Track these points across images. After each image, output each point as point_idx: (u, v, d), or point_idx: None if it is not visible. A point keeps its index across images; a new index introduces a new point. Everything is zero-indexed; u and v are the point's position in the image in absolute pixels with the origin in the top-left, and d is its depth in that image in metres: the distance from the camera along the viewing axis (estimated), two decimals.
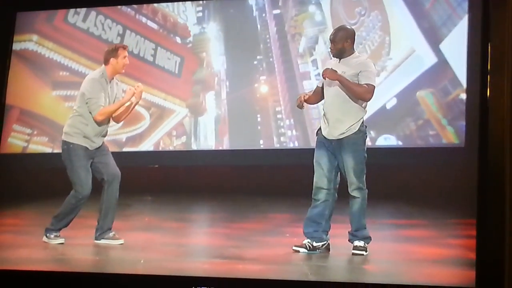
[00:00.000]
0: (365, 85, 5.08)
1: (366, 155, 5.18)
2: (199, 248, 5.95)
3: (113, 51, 5.64)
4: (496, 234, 4.54)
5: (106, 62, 5.66)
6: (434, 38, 6.64)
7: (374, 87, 5.12)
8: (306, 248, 5.25)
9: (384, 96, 6.73)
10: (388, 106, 6.72)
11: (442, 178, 6.17)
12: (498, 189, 4.58)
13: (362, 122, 5.18)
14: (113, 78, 5.72)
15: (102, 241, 5.67)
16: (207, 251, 5.81)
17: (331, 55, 5.33)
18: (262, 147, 7.22)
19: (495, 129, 4.65)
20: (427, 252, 5.26)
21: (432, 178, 6.30)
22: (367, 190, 5.17)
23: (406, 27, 6.81)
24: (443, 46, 6.57)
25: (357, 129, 5.14)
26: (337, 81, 5.12)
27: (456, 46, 6.46)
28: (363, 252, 5.13)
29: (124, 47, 5.71)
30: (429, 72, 6.65)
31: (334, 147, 5.18)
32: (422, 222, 6.16)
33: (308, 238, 5.27)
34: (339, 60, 5.23)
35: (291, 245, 5.28)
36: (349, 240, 5.20)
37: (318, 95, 5.37)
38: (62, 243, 5.67)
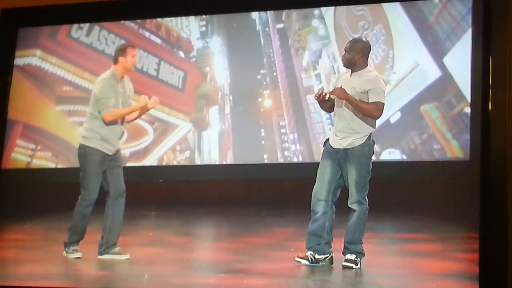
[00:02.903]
0: (373, 103, 5.12)
1: (370, 170, 5.19)
2: (204, 263, 5.95)
3: (122, 50, 5.78)
4: (498, 248, 4.54)
5: (115, 61, 5.77)
6: (438, 52, 6.62)
7: (383, 104, 5.18)
8: (308, 260, 5.25)
9: (388, 110, 6.69)
10: (392, 120, 6.71)
11: (447, 192, 6.14)
12: (501, 203, 4.59)
13: (370, 136, 5.21)
14: (123, 77, 5.78)
15: (107, 256, 5.68)
16: (212, 265, 5.81)
17: (343, 65, 5.38)
18: (266, 161, 7.20)
19: (497, 143, 4.65)
20: (433, 266, 5.26)
21: (437, 192, 6.28)
22: (367, 206, 5.17)
23: (410, 41, 6.80)
24: (447, 60, 6.55)
25: (363, 141, 5.18)
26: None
27: (460, 60, 6.44)
28: (353, 265, 5.15)
29: (133, 46, 5.86)
30: (433, 86, 6.63)
31: (340, 157, 5.22)
32: (428, 236, 6.14)
33: (310, 251, 5.27)
34: (351, 74, 5.28)
35: None
36: (342, 253, 5.22)
37: (331, 103, 5.41)
38: (79, 257, 5.67)
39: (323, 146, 5.42)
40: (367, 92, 5.19)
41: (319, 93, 5.36)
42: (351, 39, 5.58)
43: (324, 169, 5.32)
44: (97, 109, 5.72)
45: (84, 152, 5.73)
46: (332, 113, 5.45)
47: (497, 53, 4.82)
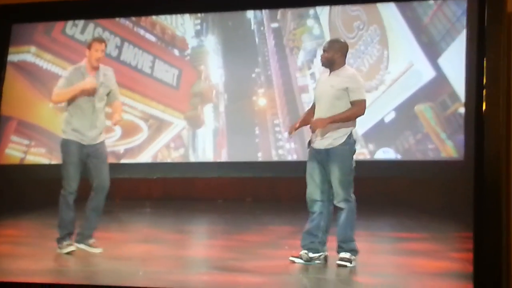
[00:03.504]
0: (355, 104, 5.16)
1: (353, 168, 5.21)
2: (198, 260, 5.94)
3: (89, 44, 5.88)
4: (492, 247, 4.56)
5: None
6: (432, 52, 6.66)
7: (365, 100, 5.22)
8: (302, 258, 5.27)
9: (383, 110, 6.75)
10: (387, 120, 6.74)
11: (441, 191, 6.18)
12: (494, 202, 4.60)
13: (350, 135, 5.24)
14: (96, 70, 5.83)
15: (81, 246, 5.73)
16: (206, 263, 5.81)
17: (321, 64, 5.41)
18: (260, 159, 7.22)
19: (491, 143, 4.67)
20: (427, 265, 5.28)
21: (432, 191, 6.32)
22: (355, 202, 5.20)
23: (405, 41, 6.84)
24: (441, 61, 6.59)
25: (343, 140, 5.20)
26: (326, 94, 5.23)
27: (455, 60, 6.48)
28: (348, 264, 5.15)
29: (100, 41, 5.89)
30: (428, 86, 6.67)
31: (322, 157, 5.25)
32: (422, 235, 6.17)
33: (304, 249, 5.29)
34: (330, 73, 5.31)
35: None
36: (337, 252, 5.23)
37: (312, 112, 5.44)
38: (73, 250, 5.69)
39: (308, 147, 5.44)
40: (346, 89, 5.22)
41: (290, 130, 5.45)
42: (329, 39, 5.61)
43: (312, 171, 5.34)
44: (68, 103, 5.85)
45: (62, 144, 5.85)
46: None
47: (491, 53, 4.83)
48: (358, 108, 5.22)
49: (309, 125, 5.32)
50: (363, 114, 5.27)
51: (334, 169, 5.20)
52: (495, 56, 4.79)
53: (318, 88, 5.43)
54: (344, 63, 5.36)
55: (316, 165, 5.31)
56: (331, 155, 5.20)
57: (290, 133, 5.48)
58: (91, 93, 5.79)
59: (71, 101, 5.85)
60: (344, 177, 5.18)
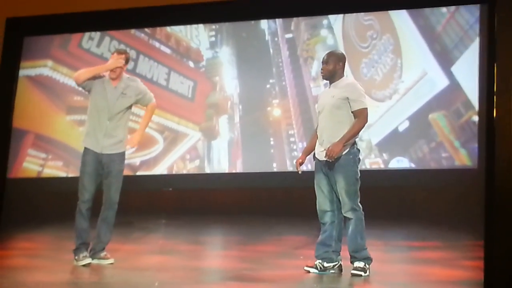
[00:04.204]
0: (357, 116, 5.18)
1: (358, 177, 5.22)
2: (213, 271, 5.97)
3: (111, 55, 5.92)
4: (503, 255, 4.55)
5: None
6: (446, 60, 6.66)
7: (366, 109, 5.24)
8: (317, 268, 5.28)
9: (397, 119, 6.76)
10: (401, 129, 6.74)
11: (455, 200, 6.17)
12: (506, 210, 4.59)
13: (354, 144, 5.25)
14: (119, 79, 5.89)
15: (94, 261, 5.77)
16: (221, 273, 5.83)
17: (322, 77, 5.44)
18: (275, 170, 7.24)
19: (502, 150, 4.66)
20: (441, 274, 5.27)
21: (446, 200, 6.31)
22: (362, 211, 5.20)
23: (418, 50, 6.84)
24: (455, 69, 6.59)
25: (347, 149, 5.21)
26: (328, 106, 5.28)
27: (468, 68, 6.47)
28: (362, 273, 5.15)
29: (120, 52, 5.95)
30: (441, 94, 6.67)
31: (327, 168, 5.26)
32: (436, 243, 6.16)
33: (318, 259, 5.30)
34: (330, 86, 5.35)
35: None
36: (350, 262, 5.24)
37: (315, 138, 5.48)
38: (90, 263, 5.73)
39: (314, 159, 5.46)
40: (347, 99, 5.24)
41: (297, 166, 5.48)
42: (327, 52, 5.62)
43: (320, 182, 5.37)
44: (87, 108, 5.94)
45: (82, 153, 5.90)
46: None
47: (502, 60, 4.83)
48: (362, 118, 5.23)
49: (324, 156, 5.32)
50: (367, 122, 5.29)
51: (339, 179, 5.21)
52: (506, 62, 4.79)
53: (320, 101, 5.46)
54: (343, 75, 5.40)
55: (322, 176, 5.33)
56: (335, 165, 5.22)
57: (297, 168, 5.51)
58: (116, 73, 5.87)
59: (90, 104, 5.91)
60: (349, 186, 5.19)
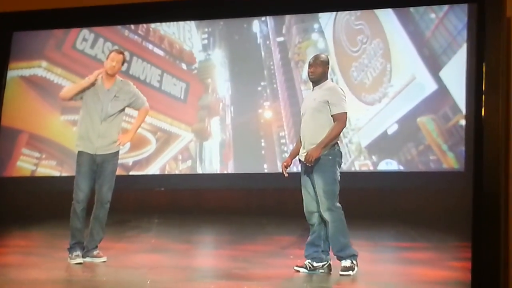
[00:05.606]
0: (336, 121, 5.25)
1: (337, 178, 5.29)
2: (205, 269, 6.01)
3: (108, 55, 5.97)
4: (490, 257, 4.60)
5: None
6: (434, 65, 6.71)
7: (346, 113, 5.31)
8: (306, 268, 5.36)
9: (386, 122, 6.82)
10: (390, 132, 6.81)
11: (443, 201, 6.23)
12: (493, 211, 4.63)
13: (335, 145, 5.31)
14: (112, 81, 5.95)
15: (87, 259, 5.83)
16: (213, 272, 5.88)
17: (310, 79, 5.51)
18: (266, 171, 7.30)
19: (490, 149, 4.69)
20: (428, 274, 5.33)
21: (433, 202, 6.36)
22: (341, 211, 5.26)
23: (407, 55, 6.90)
24: (443, 74, 6.65)
25: (327, 150, 5.28)
26: (309, 109, 5.41)
27: (456, 73, 6.52)
28: (350, 272, 5.22)
29: (118, 52, 6.00)
30: (430, 99, 6.72)
31: (307, 168, 5.34)
32: (424, 245, 6.22)
33: (308, 259, 5.38)
34: (313, 89, 5.43)
35: None
36: (337, 259, 5.31)
37: (299, 143, 5.56)
38: (81, 263, 5.79)
39: (299, 161, 5.55)
40: (327, 102, 5.32)
41: (283, 171, 5.54)
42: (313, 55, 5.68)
43: (305, 183, 5.45)
44: (80, 111, 5.99)
45: (77, 154, 5.96)
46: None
47: (490, 58, 4.86)
48: (340, 122, 5.31)
49: (304, 160, 5.40)
50: (345, 126, 5.38)
51: (317, 179, 5.30)
52: (495, 61, 4.83)
53: (303, 103, 5.56)
54: (327, 78, 5.48)
55: (306, 177, 5.41)
56: (314, 166, 5.29)
57: (283, 171, 5.57)
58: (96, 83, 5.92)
59: (82, 108, 5.96)
60: (326, 186, 5.26)
